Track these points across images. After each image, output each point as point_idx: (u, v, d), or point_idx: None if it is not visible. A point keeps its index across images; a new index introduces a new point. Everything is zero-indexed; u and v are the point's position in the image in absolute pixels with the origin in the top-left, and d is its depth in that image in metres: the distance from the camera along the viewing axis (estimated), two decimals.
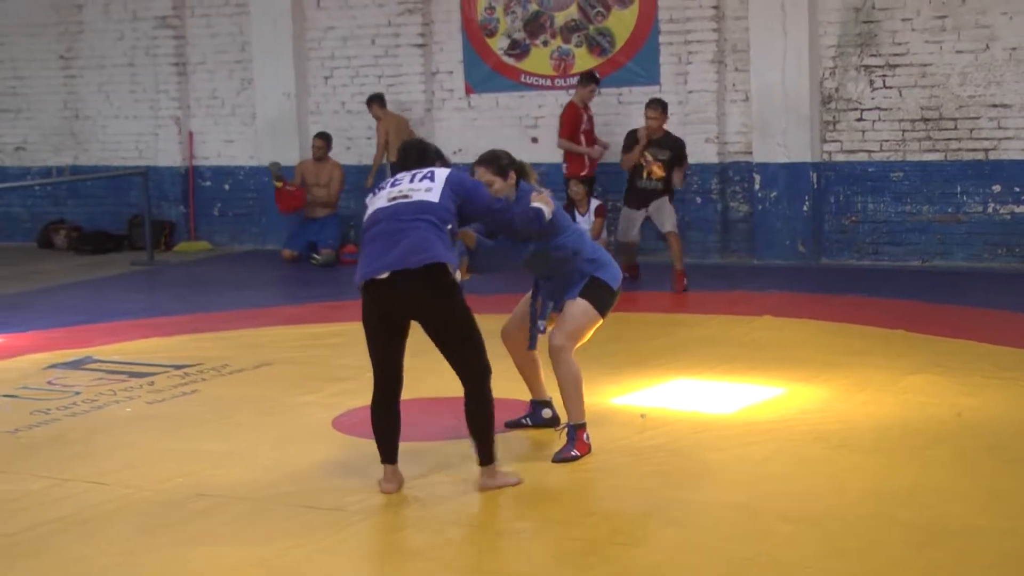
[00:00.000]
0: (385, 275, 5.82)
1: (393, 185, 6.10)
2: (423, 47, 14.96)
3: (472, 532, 5.61)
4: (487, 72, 14.72)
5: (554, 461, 6.39)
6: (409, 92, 15.01)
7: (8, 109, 17.38)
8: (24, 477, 6.55)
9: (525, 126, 14.62)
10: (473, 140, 14.54)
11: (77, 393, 8.32)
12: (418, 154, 6.30)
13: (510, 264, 6.54)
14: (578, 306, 6.50)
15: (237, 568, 5.22)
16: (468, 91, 14.85)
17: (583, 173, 13.12)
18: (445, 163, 6.33)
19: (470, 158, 15.39)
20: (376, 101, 14.66)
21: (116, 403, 8.08)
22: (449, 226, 5.95)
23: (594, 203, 13.94)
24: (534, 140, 14.54)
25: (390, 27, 15.10)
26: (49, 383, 8.65)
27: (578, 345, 6.56)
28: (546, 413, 6.99)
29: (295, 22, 15.39)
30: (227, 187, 16.12)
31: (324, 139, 14.65)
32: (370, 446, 6.56)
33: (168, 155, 16.36)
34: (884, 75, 12.96)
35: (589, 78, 13.23)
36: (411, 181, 6.06)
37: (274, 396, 8.07)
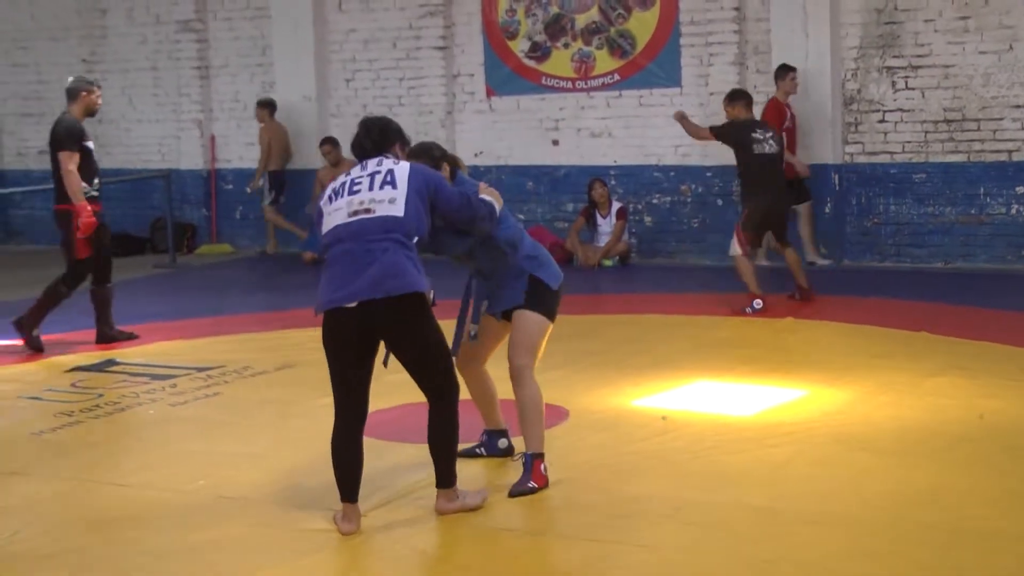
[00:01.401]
0: (353, 304, 5.43)
1: (352, 191, 5.59)
2: (444, 50, 14.99)
3: (489, 535, 5.60)
4: (508, 74, 14.73)
5: (511, 496, 5.96)
6: (430, 94, 15.04)
7: (32, 112, 17.47)
8: (48, 479, 6.58)
9: (546, 129, 14.63)
10: (494, 143, 14.58)
11: (100, 395, 8.35)
12: (380, 134, 5.80)
13: (455, 250, 6.11)
14: (529, 319, 6.11)
15: (259, 570, 5.23)
16: (489, 94, 14.87)
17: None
18: (405, 143, 5.94)
19: (491, 161, 15.52)
20: (268, 106, 15.00)
21: (139, 405, 8.11)
22: (416, 238, 5.56)
23: (616, 205, 13.96)
24: (555, 143, 14.56)
25: (411, 30, 15.14)
26: (73, 385, 8.69)
27: (537, 358, 6.20)
28: (502, 443, 6.60)
29: (316, 25, 15.45)
30: (249, 190, 16.18)
31: (332, 143, 14.71)
32: (392, 449, 6.59)
33: (190, 158, 16.43)
34: (907, 76, 12.94)
35: (786, 67, 12.77)
36: (371, 188, 5.56)
37: (296, 398, 8.09)
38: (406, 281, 5.44)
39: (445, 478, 5.69)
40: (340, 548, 5.47)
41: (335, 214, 5.61)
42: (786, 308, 10.79)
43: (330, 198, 5.68)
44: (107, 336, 10.12)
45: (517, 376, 6.12)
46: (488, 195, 5.98)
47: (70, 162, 9.77)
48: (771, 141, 10.82)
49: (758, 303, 10.60)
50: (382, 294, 5.42)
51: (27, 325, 9.86)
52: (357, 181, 5.63)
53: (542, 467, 6.10)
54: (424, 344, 5.59)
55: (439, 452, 5.69)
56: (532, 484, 6.02)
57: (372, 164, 5.69)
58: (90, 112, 10.24)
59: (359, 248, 5.49)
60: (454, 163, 6.22)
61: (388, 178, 5.58)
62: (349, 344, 5.54)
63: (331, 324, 5.54)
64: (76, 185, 9.74)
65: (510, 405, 6.30)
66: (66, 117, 10.08)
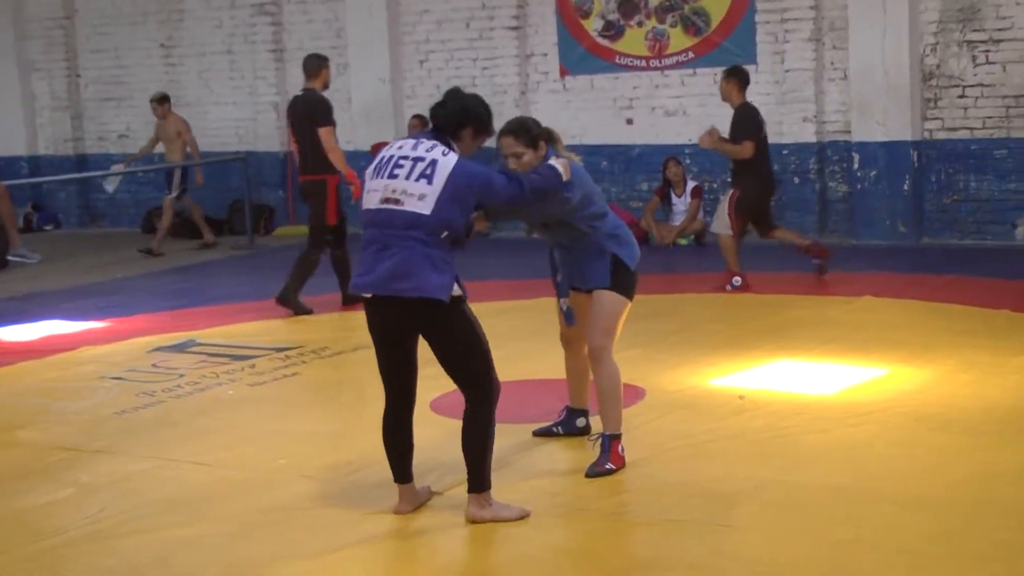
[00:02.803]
0: (369, 295, 5.40)
1: (391, 174, 5.37)
2: (518, 29, 14.97)
3: (567, 515, 5.60)
4: (582, 54, 14.69)
5: (588, 476, 5.97)
6: (504, 75, 15.04)
7: (112, 97, 17.72)
8: (131, 457, 6.69)
9: (620, 108, 14.58)
10: (568, 122, 14.52)
11: (181, 376, 8.46)
12: (460, 112, 5.53)
13: (528, 217, 6.05)
14: (608, 298, 6.06)
15: (338, 548, 5.28)
16: (563, 73, 14.84)
17: None
18: (484, 132, 5.59)
19: (565, 140, 15.39)
20: (167, 100, 14.98)
21: (219, 385, 8.20)
22: (445, 233, 5.33)
23: (691, 184, 13.90)
24: (629, 122, 14.51)
25: (484, 10, 15.13)
26: (154, 366, 8.81)
27: (616, 338, 6.18)
28: (580, 422, 6.60)
29: (389, 7, 15.49)
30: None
31: (420, 119, 14.78)
32: None
33: (267, 140, 16.56)
34: (987, 50, 12.72)
35: None
36: (407, 176, 5.34)
37: (373, 378, 8.03)
38: (412, 285, 5.28)
39: (474, 482, 5.47)
40: (415, 527, 5.50)
41: (371, 195, 5.46)
42: (840, 286, 10.74)
43: (374, 170, 5.49)
44: (352, 297, 10.37)
45: (596, 357, 6.09)
46: (557, 163, 5.82)
47: (332, 137, 10.39)
48: (764, 123, 10.79)
49: (737, 280, 10.68)
50: (388, 293, 5.33)
51: (291, 298, 10.46)
52: (400, 163, 5.40)
53: (619, 448, 6.09)
54: (443, 346, 5.45)
55: (467, 455, 5.47)
56: (610, 466, 6.02)
57: (423, 146, 5.43)
58: (327, 86, 10.75)
59: (383, 238, 5.38)
60: (550, 139, 6.08)
61: (428, 171, 5.34)
62: (378, 328, 5.51)
63: (365, 307, 5.54)
64: (342, 156, 10.44)
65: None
66: (315, 93, 10.57)
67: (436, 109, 5.60)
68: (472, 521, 5.46)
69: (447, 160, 5.38)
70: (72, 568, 5.23)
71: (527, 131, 5.98)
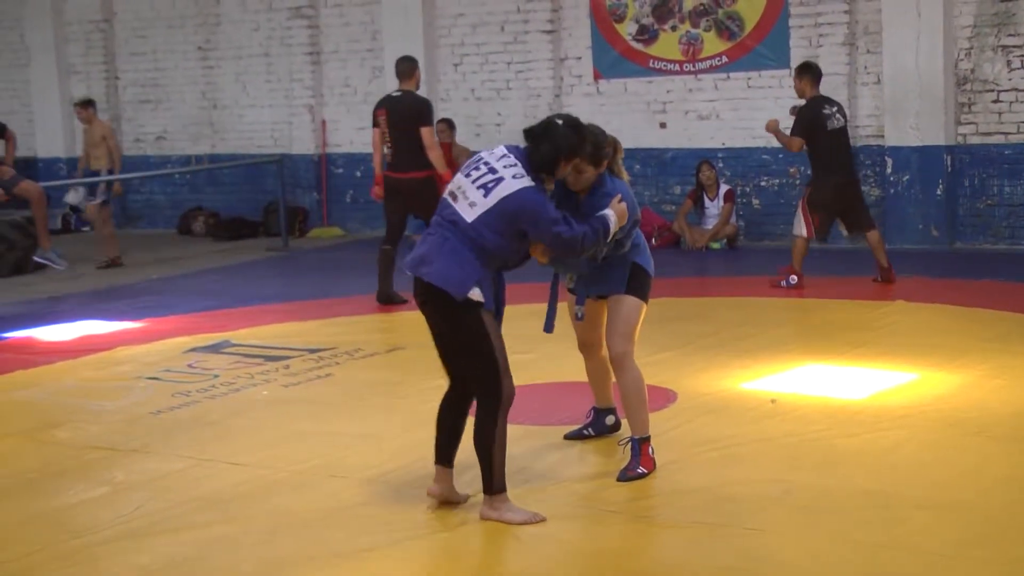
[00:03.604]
0: (409, 272, 5.62)
1: (468, 173, 5.56)
2: (552, 33, 15.01)
3: (596, 518, 5.61)
4: (615, 58, 14.71)
5: (619, 480, 5.97)
6: (538, 78, 15.08)
7: (149, 100, 17.87)
8: (167, 457, 6.76)
9: (653, 111, 14.59)
10: (601, 126, 14.51)
11: (216, 376, 8.53)
12: (550, 155, 5.54)
13: (588, 268, 6.01)
14: (628, 304, 6.07)
15: (371, 549, 5.32)
16: (596, 77, 14.87)
17: None
18: (575, 153, 5.62)
19: None
20: (92, 105, 14.35)
21: (253, 386, 8.27)
22: (480, 243, 5.44)
23: (724, 188, 13.89)
24: (662, 125, 14.52)
25: (519, 13, 15.18)
26: (189, 366, 8.89)
27: (635, 341, 6.15)
28: (609, 420, 6.65)
29: (425, 10, 15.56)
30: (359, 174, 16.37)
31: (447, 123, 14.85)
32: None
33: (302, 143, 16.66)
34: (1022, 55, 12.67)
35: None
36: (474, 181, 5.49)
37: (406, 380, 8.18)
38: (435, 270, 5.43)
39: (486, 484, 5.56)
40: (447, 529, 5.53)
41: (448, 185, 5.69)
42: (873, 290, 10.78)
43: (464, 166, 5.67)
44: (387, 296, 10.75)
45: (619, 363, 6.10)
46: (613, 212, 5.76)
47: (434, 135, 10.75)
48: (838, 116, 10.87)
49: (794, 279, 10.82)
50: (415, 274, 5.54)
51: (388, 293, 10.79)
52: (479, 166, 5.55)
53: (649, 450, 6.11)
54: (454, 342, 5.57)
55: (481, 457, 5.56)
56: (641, 469, 6.03)
57: (506, 161, 5.51)
58: (419, 86, 11.04)
59: (436, 223, 5.59)
60: (614, 152, 6.02)
61: (491, 184, 5.45)
62: (423, 312, 5.65)
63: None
64: (442, 156, 10.82)
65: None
66: (415, 95, 10.85)
67: (532, 137, 5.57)
68: (484, 519, 5.56)
69: (513, 183, 5.44)
70: (107, 566, 5.29)
71: (597, 148, 5.89)
